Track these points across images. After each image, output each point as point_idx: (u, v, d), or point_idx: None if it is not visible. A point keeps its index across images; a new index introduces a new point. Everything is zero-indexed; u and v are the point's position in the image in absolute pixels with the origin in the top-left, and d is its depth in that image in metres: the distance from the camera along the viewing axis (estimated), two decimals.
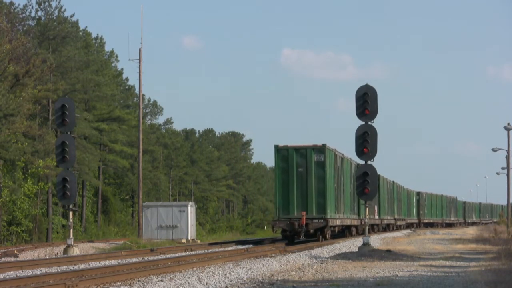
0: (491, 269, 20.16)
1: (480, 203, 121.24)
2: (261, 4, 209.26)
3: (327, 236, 36.97)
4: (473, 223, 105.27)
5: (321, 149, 35.90)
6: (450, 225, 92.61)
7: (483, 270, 20.05)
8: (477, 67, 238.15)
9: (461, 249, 32.76)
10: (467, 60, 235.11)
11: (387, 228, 58.28)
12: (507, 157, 56.17)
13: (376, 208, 50.98)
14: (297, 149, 35.94)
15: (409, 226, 71.81)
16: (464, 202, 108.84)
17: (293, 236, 36.61)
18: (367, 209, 29.79)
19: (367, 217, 29.91)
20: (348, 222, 41.58)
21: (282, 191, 35.88)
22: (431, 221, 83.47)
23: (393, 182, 60.84)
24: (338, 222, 38.68)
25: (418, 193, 78.25)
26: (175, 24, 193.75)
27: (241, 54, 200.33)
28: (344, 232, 43.11)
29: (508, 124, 54.28)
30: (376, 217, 51.44)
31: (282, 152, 35.99)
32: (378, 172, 51.75)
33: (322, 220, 35.67)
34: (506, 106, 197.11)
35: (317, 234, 36.58)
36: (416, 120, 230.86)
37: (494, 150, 57.71)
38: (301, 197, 35.76)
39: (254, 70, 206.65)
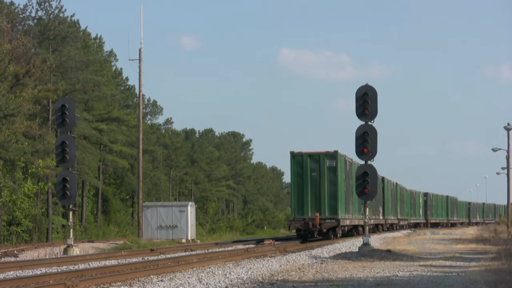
0: (491, 269, 20.16)
1: (483, 204, 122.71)
2: (259, 4, 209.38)
3: (338, 235, 39.59)
4: (477, 223, 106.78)
5: (333, 155, 38.49)
6: (455, 225, 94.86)
7: (483, 270, 20.05)
8: (476, 67, 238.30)
9: (461, 249, 32.76)
10: (466, 60, 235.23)
11: (391, 227, 59.83)
12: (507, 157, 56.12)
13: (380, 209, 52.74)
14: (311, 155, 38.53)
15: (416, 225, 74.37)
16: (469, 203, 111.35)
17: (307, 235, 38.99)
18: (367, 209, 29.83)
19: (367, 217, 29.95)
20: (356, 222, 43.48)
21: (297, 193, 38.52)
22: (437, 221, 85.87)
23: (396, 183, 62.35)
24: (348, 222, 40.89)
25: (426, 194, 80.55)
26: (174, 24, 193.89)
27: (239, 54, 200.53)
28: (352, 231, 44.95)
29: (508, 124, 54.23)
30: (381, 217, 53.15)
31: (297, 158, 38.57)
32: (382, 175, 54.12)
33: (334, 220, 38.28)
34: (506, 106, 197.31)
35: (329, 233, 38.87)
36: (415, 120, 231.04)
37: (494, 150, 57.66)
38: (314, 199, 38.33)
39: (253, 69, 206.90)
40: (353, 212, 42.62)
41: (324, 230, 38.23)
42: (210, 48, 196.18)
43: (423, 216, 79.11)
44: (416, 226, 74.50)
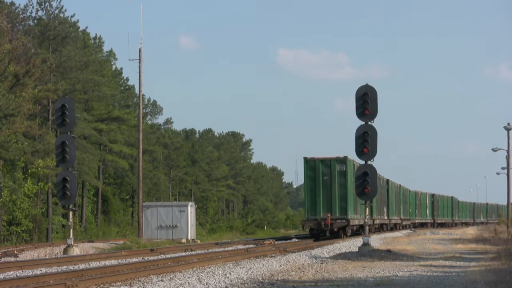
0: (491, 269, 20.16)
1: (487, 204, 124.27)
2: (258, 4, 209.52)
3: (348, 233, 42.45)
4: (481, 223, 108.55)
5: (343, 160, 41.23)
6: (461, 225, 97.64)
7: (483, 270, 20.05)
8: (475, 67, 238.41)
9: (461, 249, 32.76)
10: (465, 60, 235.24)
11: (395, 227, 61.71)
12: (507, 157, 56.11)
13: (385, 209, 55.14)
14: (323, 160, 41.37)
15: (423, 225, 78.04)
16: (474, 203, 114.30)
17: (319, 234, 41.82)
18: (368, 209, 29.85)
19: (368, 217, 29.98)
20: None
21: (310, 196, 41.42)
22: (444, 221, 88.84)
23: (400, 185, 64.04)
24: (356, 222, 43.22)
25: (433, 195, 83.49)
26: (173, 24, 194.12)
27: (238, 54, 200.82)
28: (359, 230, 46.80)
29: (508, 124, 54.22)
30: (385, 217, 55.48)
31: (310, 163, 41.45)
32: (387, 177, 56.20)
33: (344, 220, 41.08)
34: (506, 106, 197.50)
35: (339, 232, 41.63)
36: (414, 121, 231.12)
37: (494, 150, 57.66)
38: (326, 201, 41.19)
39: (252, 69, 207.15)
40: (361, 212, 44.48)
41: (335, 230, 40.98)
42: (208, 49, 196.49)
43: (430, 217, 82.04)
44: (423, 225, 77.82)
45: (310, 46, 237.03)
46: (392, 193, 58.89)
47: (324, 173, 41.15)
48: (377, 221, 50.69)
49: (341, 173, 41.08)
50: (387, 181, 56.83)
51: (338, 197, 41.04)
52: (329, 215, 40.56)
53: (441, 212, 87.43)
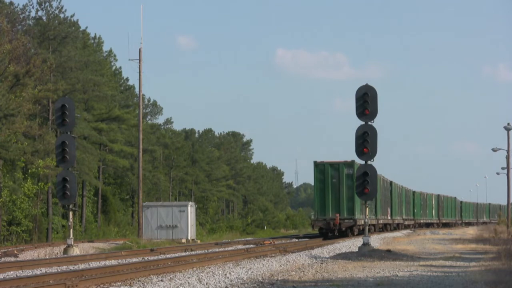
0: (491, 269, 20.16)
1: (489, 204, 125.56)
2: (255, 4, 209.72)
3: (355, 233, 44.91)
4: (484, 223, 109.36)
5: (351, 164, 43.60)
6: (466, 224, 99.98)
7: (483, 270, 20.05)
8: (475, 67, 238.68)
9: (461, 249, 32.77)
10: (464, 60, 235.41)
11: (397, 227, 62.84)
12: (507, 157, 56.10)
13: (388, 210, 56.80)
14: (331, 164, 44.02)
15: (429, 225, 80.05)
16: (477, 204, 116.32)
17: (327, 233, 44.12)
18: (367, 209, 29.90)
19: (367, 216, 30.01)
20: (370, 222, 46.98)
21: (319, 197, 44.06)
22: (448, 221, 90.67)
23: (402, 186, 65.07)
24: (362, 222, 42.93)
25: (438, 196, 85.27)
26: (172, 24, 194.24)
27: (237, 54, 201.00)
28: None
29: (508, 124, 54.22)
30: (389, 217, 57.12)
31: (319, 167, 44.15)
32: (390, 179, 56.99)
33: (351, 220, 43.66)
34: (506, 106, 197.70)
35: (347, 231, 44.21)
36: (414, 121, 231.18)
37: (494, 150, 57.68)
38: (335, 202, 43.71)
39: (251, 69, 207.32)
40: (368, 212, 45.54)
41: (343, 229, 43.54)
42: (208, 48, 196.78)
43: (436, 217, 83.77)
44: (429, 225, 79.89)
45: (308, 46, 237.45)
46: (395, 194, 60.13)
47: (333, 176, 43.59)
48: (381, 221, 52.40)
49: (348, 176, 43.21)
50: (391, 182, 58.15)
51: (346, 199, 43.39)
52: (337, 215, 42.92)
53: (445, 212, 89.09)
